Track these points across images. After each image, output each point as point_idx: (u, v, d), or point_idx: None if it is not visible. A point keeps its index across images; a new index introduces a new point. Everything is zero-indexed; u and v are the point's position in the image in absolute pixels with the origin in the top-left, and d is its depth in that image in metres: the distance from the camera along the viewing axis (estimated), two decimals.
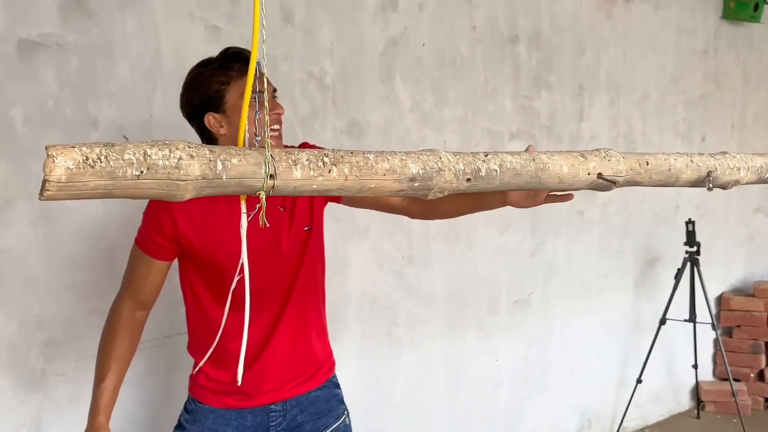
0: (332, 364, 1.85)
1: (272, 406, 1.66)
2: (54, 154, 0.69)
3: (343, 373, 2.67)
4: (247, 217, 0.88)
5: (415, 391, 2.91)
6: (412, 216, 1.81)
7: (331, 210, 2.63)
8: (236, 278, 0.88)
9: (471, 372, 3.06)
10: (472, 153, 1.00)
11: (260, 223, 0.85)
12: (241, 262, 0.88)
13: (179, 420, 1.77)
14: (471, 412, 3.08)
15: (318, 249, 1.76)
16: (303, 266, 1.67)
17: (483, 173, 0.99)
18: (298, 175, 0.84)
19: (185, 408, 1.77)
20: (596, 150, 1.14)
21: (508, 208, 3.03)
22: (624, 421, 3.62)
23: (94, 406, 1.54)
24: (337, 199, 1.75)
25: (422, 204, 1.67)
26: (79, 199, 0.72)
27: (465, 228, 2.98)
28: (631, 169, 1.15)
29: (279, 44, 2.42)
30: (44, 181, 0.69)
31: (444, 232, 2.92)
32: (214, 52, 2.29)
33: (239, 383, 0.91)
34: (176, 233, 1.57)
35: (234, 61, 1.55)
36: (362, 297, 2.70)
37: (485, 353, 3.10)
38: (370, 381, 2.77)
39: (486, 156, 1.01)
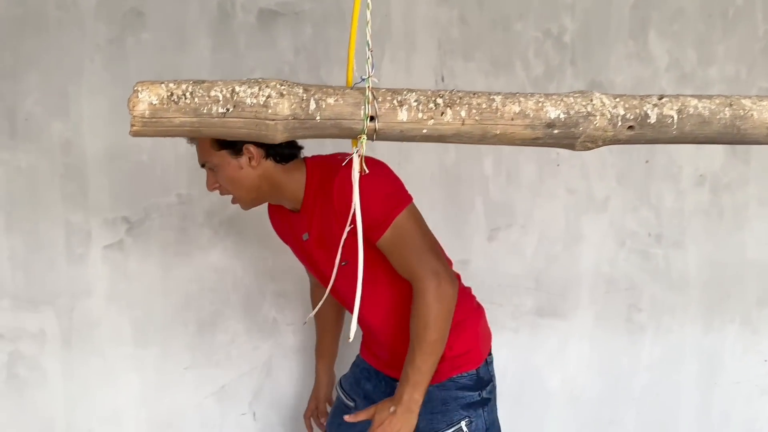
0: (461, 364, 1.60)
1: (395, 382, 1.54)
2: (139, 89, 0.70)
3: (573, 354, 2.51)
4: (351, 161, 0.81)
5: (659, 385, 2.61)
6: None
7: (564, 179, 2.45)
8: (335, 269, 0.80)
9: (731, 371, 2.66)
10: (640, 96, 0.82)
11: (360, 171, 0.78)
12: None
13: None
14: (728, 418, 2.69)
15: (373, 282, 1.41)
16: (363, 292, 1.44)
17: (652, 120, 0.81)
18: (403, 117, 0.75)
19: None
20: None
21: None
22: None
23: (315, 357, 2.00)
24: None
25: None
26: (167, 135, 0.72)
27: (731, 205, 2.57)
28: None
29: (513, 1, 2.29)
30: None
31: (705, 210, 2.55)
32: (443, 14, 2.26)
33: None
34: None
35: None
36: (597, 276, 2.48)
37: (751, 351, 2.67)
38: (604, 367, 2.54)
39: (660, 99, 0.81)
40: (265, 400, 2.26)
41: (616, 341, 2.54)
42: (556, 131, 0.79)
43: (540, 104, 0.78)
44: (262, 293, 2.23)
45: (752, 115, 0.83)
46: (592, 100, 0.79)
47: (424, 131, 0.76)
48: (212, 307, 2.18)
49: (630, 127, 0.80)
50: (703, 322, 2.61)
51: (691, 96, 0.83)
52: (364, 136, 0.75)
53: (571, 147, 0.81)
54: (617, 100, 0.80)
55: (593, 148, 0.82)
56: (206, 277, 2.17)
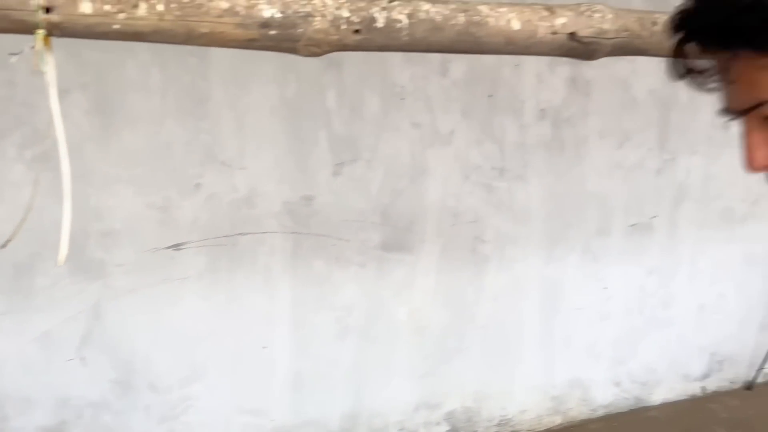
0: None
1: None
2: None
3: (420, 286, 2.53)
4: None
5: (503, 314, 2.68)
6: None
7: (408, 113, 2.42)
8: None
9: (572, 298, 2.77)
10: None
11: (34, 66, 0.70)
12: None
13: None
14: (570, 342, 2.81)
15: None
16: None
17: (380, 24, 0.76)
18: (87, 9, 0.67)
19: None
20: (575, 4, 0.84)
21: (630, 115, 2.62)
22: (766, 367, 3.17)
23: None
24: None
25: None
26: None
27: (572, 138, 2.63)
28: (626, 30, 0.84)
29: None
30: None
31: (546, 143, 2.60)
32: None
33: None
34: None
35: None
36: (442, 209, 2.49)
37: (591, 279, 2.79)
38: (450, 298, 2.58)
39: (390, 2, 0.77)
40: (94, 344, 2.16)
41: (462, 272, 2.58)
42: (273, 32, 0.72)
43: (252, 2, 0.71)
44: (86, 233, 2.10)
45: (488, 22, 0.79)
46: (312, 0, 0.73)
47: (116, 27, 0.67)
48: (28, 249, 2.04)
49: (356, 31, 0.75)
50: (545, 253, 2.69)
51: (424, 0, 0.78)
52: (41, 31, 0.66)
53: (294, 51, 0.75)
54: (341, 0, 0.75)
55: (321, 54, 0.76)
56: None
